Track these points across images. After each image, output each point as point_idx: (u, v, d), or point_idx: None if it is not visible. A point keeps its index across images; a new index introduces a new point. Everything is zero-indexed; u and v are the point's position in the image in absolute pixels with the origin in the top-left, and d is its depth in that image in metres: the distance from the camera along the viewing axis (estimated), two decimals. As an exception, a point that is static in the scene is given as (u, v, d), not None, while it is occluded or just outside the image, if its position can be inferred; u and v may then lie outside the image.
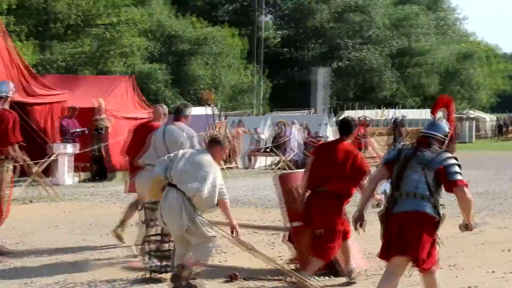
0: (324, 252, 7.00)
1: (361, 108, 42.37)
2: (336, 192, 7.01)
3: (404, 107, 49.87)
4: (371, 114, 36.59)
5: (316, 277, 7.21)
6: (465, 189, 5.46)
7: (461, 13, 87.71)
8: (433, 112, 5.94)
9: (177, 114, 8.21)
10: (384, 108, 43.19)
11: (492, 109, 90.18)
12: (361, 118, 29.58)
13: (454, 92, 68.87)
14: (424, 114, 41.20)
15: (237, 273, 7.15)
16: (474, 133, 48.10)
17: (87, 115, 18.13)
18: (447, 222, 11.33)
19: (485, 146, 40.12)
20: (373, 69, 55.79)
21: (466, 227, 5.59)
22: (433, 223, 5.41)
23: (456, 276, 7.41)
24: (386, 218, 5.50)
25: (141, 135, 8.47)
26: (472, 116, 50.77)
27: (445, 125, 5.78)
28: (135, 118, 21.02)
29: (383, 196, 6.27)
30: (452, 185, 5.41)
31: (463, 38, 79.16)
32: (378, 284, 5.50)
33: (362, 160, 7.15)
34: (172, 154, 6.71)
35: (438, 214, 5.44)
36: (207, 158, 6.57)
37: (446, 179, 5.40)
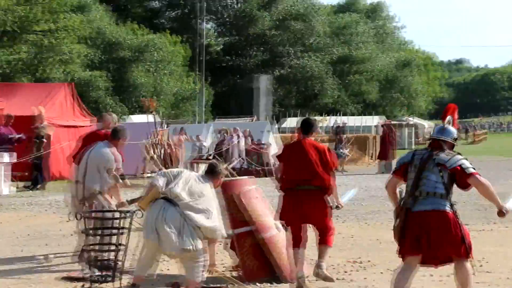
0: (331, 239, 7.34)
1: (303, 115, 42.74)
2: (321, 187, 7.27)
3: (345, 114, 50.54)
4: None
5: (258, 283, 7.22)
6: (479, 176, 5.93)
7: (399, 22, 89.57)
8: (442, 118, 6.47)
9: (111, 137, 8.17)
10: (326, 115, 43.66)
11: (430, 116, 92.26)
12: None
13: (394, 99, 70.25)
14: (365, 121, 41.89)
15: (178, 281, 7.09)
16: (413, 140, 49.02)
17: (26, 123, 17.77)
18: (387, 228, 11.48)
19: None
20: (314, 76, 56.36)
21: (499, 213, 6.00)
22: (453, 218, 5.93)
23: (396, 280, 7.49)
24: (405, 215, 5.93)
25: (90, 143, 8.40)
26: (411, 123, 51.75)
27: (453, 130, 6.34)
28: (75, 126, 20.76)
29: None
30: (467, 177, 5.91)
31: (401, 46, 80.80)
32: (397, 278, 5.97)
33: (331, 153, 7.52)
34: (175, 171, 6.65)
35: (453, 210, 5.96)
36: (211, 192, 6.57)
37: (462, 174, 5.91)
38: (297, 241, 7.28)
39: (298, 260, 7.18)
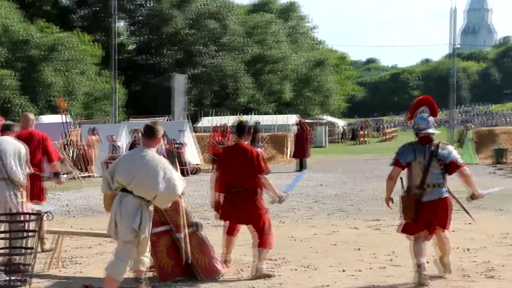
0: (268, 241, 7.61)
1: (218, 114, 42.74)
2: (253, 190, 7.58)
3: (260, 113, 50.85)
4: (228, 120, 36.96)
5: (173, 283, 7.17)
6: (465, 168, 7.25)
7: (311, 22, 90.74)
8: (414, 109, 7.60)
9: (6, 130, 8.15)
10: (241, 114, 43.81)
11: (343, 115, 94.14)
12: (218, 125, 29.84)
13: (308, 98, 71.31)
14: (280, 119, 42.27)
15: (91, 284, 6.96)
16: (327, 138, 49.82)
17: None
18: (301, 226, 11.62)
19: (337, 150, 41.69)
20: (229, 75, 56.43)
21: (472, 196, 7.33)
22: (449, 200, 7.24)
23: (310, 277, 7.61)
24: (416, 204, 7.09)
25: None
26: (324, 121, 52.58)
27: (431, 118, 7.38)
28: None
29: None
30: (457, 167, 7.20)
31: (314, 46, 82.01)
32: (415, 248, 7.16)
33: (263, 158, 7.77)
34: (113, 163, 6.62)
35: (449, 192, 7.27)
36: (150, 154, 6.42)
37: (454, 166, 7.18)
38: (232, 231, 7.81)
39: (230, 245, 7.75)
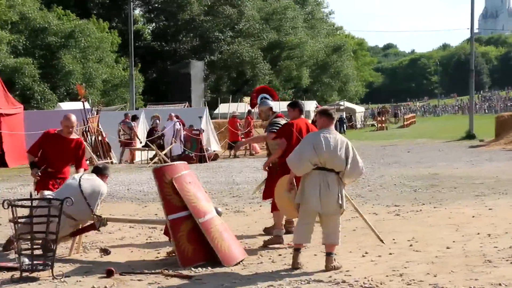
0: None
1: (235, 101, 42.74)
2: None
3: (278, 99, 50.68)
4: (245, 107, 36.92)
5: (194, 269, 7.19)
6: None
7: (328, 8, 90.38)
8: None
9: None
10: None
11: (361, 100, 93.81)
12: (236, 112, 29.89)
13: (325, 84, 71.15)
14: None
15: (113, 269, 7.00)
16: (345, 124, 49.66)
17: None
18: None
19: (356, 136, 41.57)
20: (246, 62, 56.32)
21: None
22: None
23: (330, 261, 7.59)
24: None
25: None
26: (342, 107, 52.44)
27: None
28: (1, 115, 20.25)
29: None
30: None
31: (331, 32, 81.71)
32: None
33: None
34: (304, 147, 7.23)
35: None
36: (338, 134, 7.36)
37: None
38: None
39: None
